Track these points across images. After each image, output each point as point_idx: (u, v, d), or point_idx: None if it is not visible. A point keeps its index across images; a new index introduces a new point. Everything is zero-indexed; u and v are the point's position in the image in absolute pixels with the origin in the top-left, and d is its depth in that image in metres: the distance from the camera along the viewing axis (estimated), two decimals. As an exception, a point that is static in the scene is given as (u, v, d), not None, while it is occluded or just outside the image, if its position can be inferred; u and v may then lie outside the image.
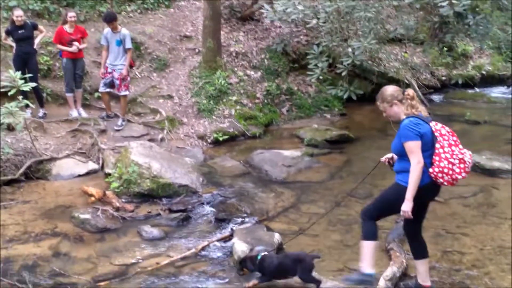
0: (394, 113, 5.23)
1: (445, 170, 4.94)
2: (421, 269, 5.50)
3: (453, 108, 14.78)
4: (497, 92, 16.60)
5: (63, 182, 9.25)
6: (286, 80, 13.94)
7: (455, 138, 5.04)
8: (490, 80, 17.25)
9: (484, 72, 17.23)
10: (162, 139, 10.99)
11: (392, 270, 5.81)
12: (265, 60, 14.01)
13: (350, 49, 11.15)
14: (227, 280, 6.15)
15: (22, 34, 10.50)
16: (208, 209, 8.22)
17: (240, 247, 6.52)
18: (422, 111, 5.16)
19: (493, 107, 14.87)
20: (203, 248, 6.89)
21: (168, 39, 14.03)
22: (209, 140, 11.46)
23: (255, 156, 10.25)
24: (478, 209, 8.02)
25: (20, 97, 9.09)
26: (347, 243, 7.02)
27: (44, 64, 11.67)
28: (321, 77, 11.70)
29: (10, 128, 9.51)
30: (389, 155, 5.52)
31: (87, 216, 7.71)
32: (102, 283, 6.14)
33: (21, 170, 9.10)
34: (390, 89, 5.29)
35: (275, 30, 15.29)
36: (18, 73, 9.14)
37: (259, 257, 5.83)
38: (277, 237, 6.82)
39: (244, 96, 12.78)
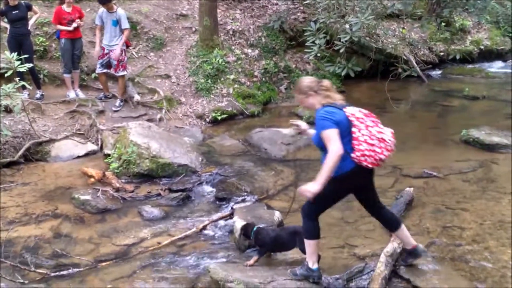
0: (309, 104, 5.22)
1: (366, 152, 4.92)
2: (402, 236, 5.51)
3: (452, 83, 14.77)
4: (495, 67, 16.56)
5: (62, 164, 9.25)
6: (283, 58, 13.90)
7: (372, 119, 5.02)
8: (489, 54, 17.22)
9: (482, 47, 17.17)
10: (160, 119, 10.98)
11: (392, 246, 5.82)
12: (262, 38, 13.95)
13: (347, 26, 11.06)
14: (228, 258, 6.17)
15: (16, 15, 10.39)
16: (208, 188, 8.23)
17: (241, 226, 6.53)
18: (338, 100, 5.15)
19: (492, 82, 14.86)
20: (203, 227, 6.92)
21: (164, 18, 13.93)
22: (207, 119, 11.45)
23: (254, 135, 10.24)
24: (478, 184, 8.02)
25: (17, 79, 9.03)
26: (347, 220, 7.04)
27: (40, 45, 11.58)
28: (318, 54, 11.61)
29: (8, 110, 9.49)
30: (299, 122, 5.56)
31: (87, 197, 7.73)
32: (104, 264, 6.17)
33: (20, 152, 9.09)
34: (306, 81, 5.29)
35: (271, 7, 15.20)
36: (14, 55, 9.08)
37: (254, 229, 5.81)
38: (277, 215, 6.82)
39: (242, 75, 12.74)
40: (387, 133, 5.01)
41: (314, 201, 5.12)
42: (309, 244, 5.37)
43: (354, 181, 5.13)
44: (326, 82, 5.22)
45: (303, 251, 5.73)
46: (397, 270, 5.65)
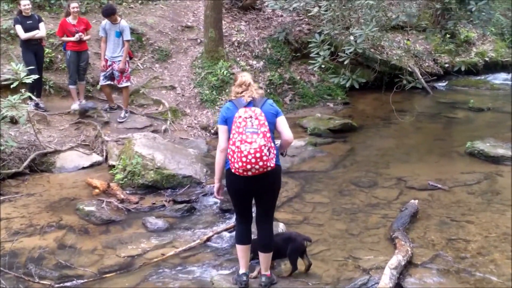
0: None
1: (229, 157, 5.01)
2: (263, 261, 5.48)
3: (457, 95, 14.79)
4: (500, 78, 16.54)
5: (67, 175, 9.26)
6: (288, 69, 13.93)
7: (251, 124, 4.95)
8: (494, 66, 17.20)
9: (487, 59, 17.17)
10: (165, 130, 10.98)
11: (397, 258, 5.82)
12: (267, 50, 13.98)
13: (352, 37, 11.07)
14: (232, 270, 6.15)
15: (30, 25, 10.47)
16: (212, 199, 8.18)
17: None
18: (247, 97, 5.18)
19: (497, 94, 14.86)
20: (208, 239, 6.89)
21: (169, 30, 13.99)
22: (212, 131, 11.44)
23: (258, 146, 10.21)
24: (483, 196, 8.01)
25: (23, 90, 9.06)
26: (352, 232, 7.04)
27: (46, 57, 11.61)
28: (323, 66, 11.61)
29: (14, 121, 9.51)
30: None
31: (92, 208, 7.72)
32: (108, 275, 6.15)
33: (25, 163, 9.10)
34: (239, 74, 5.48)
35: (276, 19, 15.26)
36: (21, 66, 9.10)
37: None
38: (281, 226, 6.82)
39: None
40: (254, 144, 4.87)
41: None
42: (236, 248, 5.54)
43: (231, 181, 5.21)
44: (240, 78, 5.30)
45: (290, 260, 5.76)
46: (402, 283, 5.64)
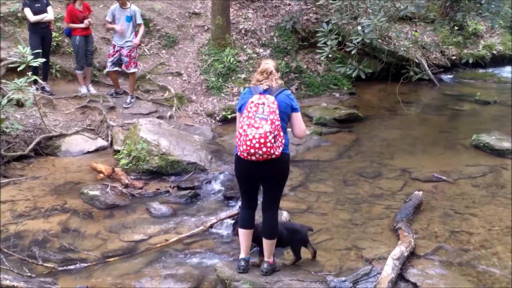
0: None
1: (236, 140, 5.08)
2: (266, 247, 5.49)
3: (463, 88, 14.73)
4: (507, 72, 16.45)
5: (72, 159, 9.29)
6: (295, 58, 13.89)
7: (262, 109, 4.99)
8: (501, 59, 17.10)
9: (495, 52, 17.06)
10: (170, 117, 10.98)
11: (400, 249, 5.82)
12: (274, 38, 13.93)
13: (360, 27, 10.99)
14: (235, 257, 6.17)
15: (39, 8, 10.45)
16: (216, 186, 8.23)
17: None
18: (265, 85, 5.20)
19: (503, 87, 14.77)
20: (211, 226, 6.92)
21: (177, 16, 13.97)
22: (217, 118, 11.44)
23: (263, 135, 10.20)
24: (487, 189, 8.00)
25: (29, 73, 9.05)
26: (356, 222, 7.04)
27: (53, 40, 11.59)
28: (330, 56, 11.52)
29: (20, 104, 9.52)
30: None
31: (96, 192, 7.76)
32: (111, 259, 6.19)
33: (31, 146, 9.12)
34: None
35: (284, 7, 15.19)
36: (27, 49, 9.09)
37: None
38: (285, 215, 6.84)
39: (253, 74, 12.71)
40: (260, 129, 4.91)
41: None
42: (239, 233, 5.57)
43: (239, 164, 5.29)
44: (263, 65, 5.36)
45: (294, 250, 5.78)
46: (404, 274, 5.65)
